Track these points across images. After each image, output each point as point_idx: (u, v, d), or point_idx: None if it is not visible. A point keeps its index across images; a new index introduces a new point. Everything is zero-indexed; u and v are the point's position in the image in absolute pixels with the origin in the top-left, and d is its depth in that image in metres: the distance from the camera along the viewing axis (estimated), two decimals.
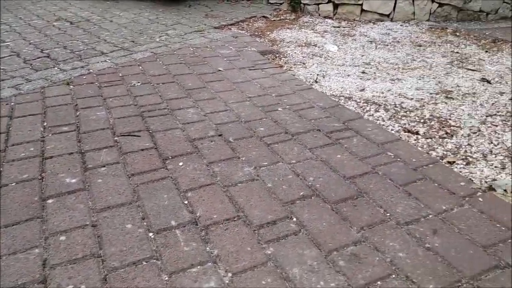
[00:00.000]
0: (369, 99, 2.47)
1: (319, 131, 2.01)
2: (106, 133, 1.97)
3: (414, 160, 1.78)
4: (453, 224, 1.40)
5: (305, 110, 2.23)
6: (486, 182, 1.72)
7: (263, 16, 4.33)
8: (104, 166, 1.71)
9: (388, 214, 1.45)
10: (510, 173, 1.79)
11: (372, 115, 2.27)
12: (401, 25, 4.11)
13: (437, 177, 1.66)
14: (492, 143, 2.03)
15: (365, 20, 4.28)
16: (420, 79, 2.82)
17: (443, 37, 3.80)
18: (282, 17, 4.38)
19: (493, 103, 2.45)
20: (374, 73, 2.92)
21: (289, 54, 3.29)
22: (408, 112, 2.31)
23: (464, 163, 1.86)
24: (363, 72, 2.93)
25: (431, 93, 2.58)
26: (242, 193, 1.55)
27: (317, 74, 2.86)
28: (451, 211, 1.47)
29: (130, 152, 1.82)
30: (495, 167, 1.84)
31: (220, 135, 1.97)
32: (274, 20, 4.25)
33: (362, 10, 4.27)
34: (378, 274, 1.21)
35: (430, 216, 1.44)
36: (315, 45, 3.51)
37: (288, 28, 4.03)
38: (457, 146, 1.99)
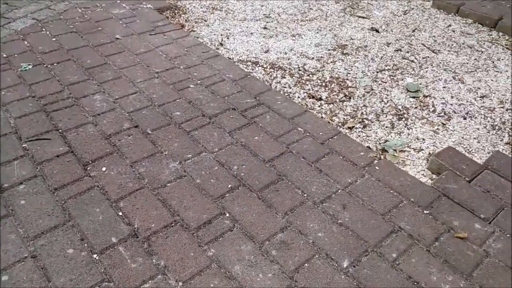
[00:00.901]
0: (275, 63, 2.58)
1: (234, 110, 2.10)
2: (11, 139, 1.84)
3: (321, 133, 1.99)
4: (358, 197, 1.68)
5: (217, 85, 2.27)
6: (380, 144, 2.02)
7: None
8: (21, 183, 1.64)
9: (305, 195, 1.67)
10: (399, 132, 2.11)
11: (280, 82, 2.41)
12: None
13: (341, 149, 1.90)
14: (383, 101, 2.32)
15: None
16: (318, 32, 2.97)
17: None
18: None
19: (381, 57, 2.73)
20: (275, 28, 2.99)
21: (188, 8, 3.17)
22: (311, 76, 2.49)
23: (361, 126, 2.13)
24: (265, 28, 2.98)
25: (329, 50, 2.77)
26: (174, 195, 1.63)
27: (221, 35, 2.85)
28: (355, 183, 1.74)
29: (45, 161, 1.74)
30: (386, 127, 2.14)
31: (136, 127, 1.96)
32: None
33: None
34: (305, 257, 1.44)
35: (339, 191, 1.70)
36: None
37: None
38: (355, 109, 2.25)
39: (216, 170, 1.75)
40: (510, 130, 2.14)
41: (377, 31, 3.06)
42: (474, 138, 2.09)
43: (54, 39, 2.58)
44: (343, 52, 2.75)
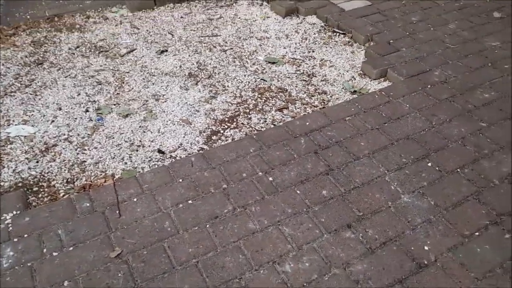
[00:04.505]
0: (221, 119, 2.42)
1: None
2: None
3: (360, 105, 2.44)
4: None
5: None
6: (349, 89, 2.70)
7: None
8: None
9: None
10: (331, 81, 2.80)
11: (254, 118, 2.40)
12: None
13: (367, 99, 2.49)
14: (283, 77, 2.83)
15: None
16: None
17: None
18: None
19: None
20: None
21: None
22: (248, 102, 2.57)
23: (324, 98, 2.68)
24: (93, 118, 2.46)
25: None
26: None
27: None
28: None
29: None
30: (322, 82, 2.78)
31: None
32: None
33: None
34: None
35: None
36: None
37: None
38: (308, 87, 2.69)
39: None
40: None
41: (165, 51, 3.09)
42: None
43: None
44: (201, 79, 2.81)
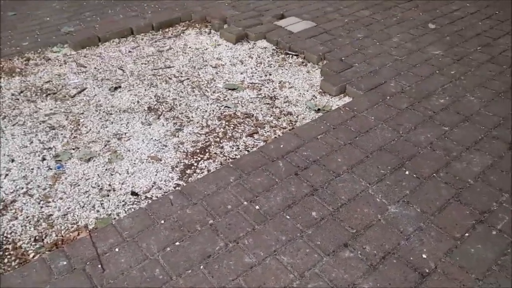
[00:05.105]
0: (188, 162, 2.33)
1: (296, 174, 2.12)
2: None
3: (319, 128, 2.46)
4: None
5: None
6: (316, 108, 2.73)
7: None
8: None
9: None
10: (294, 102, 2.83)
11: (223, 149, 2.34)
12: None
13: (333, 116, 2.52)
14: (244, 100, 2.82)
15: None
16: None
17: None
18: None
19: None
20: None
21: None
22: (219, 137, 2.51)
23: (289, 118, 2.69)
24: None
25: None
26: None
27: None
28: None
29: None
30: (287, 103, 2.79)
31: None
32: None
33: None
34: None
35: None
36: None
37: None
38: (275, 111, 2.68)
39: None
40: None
41: (118, 87, 2.97)
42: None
43: None
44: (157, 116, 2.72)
